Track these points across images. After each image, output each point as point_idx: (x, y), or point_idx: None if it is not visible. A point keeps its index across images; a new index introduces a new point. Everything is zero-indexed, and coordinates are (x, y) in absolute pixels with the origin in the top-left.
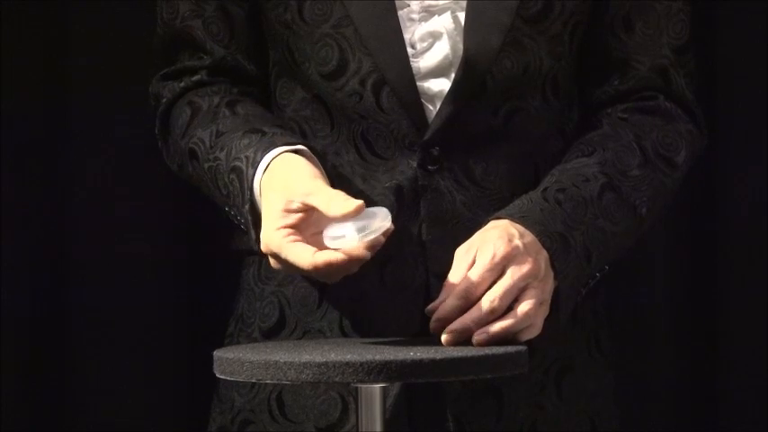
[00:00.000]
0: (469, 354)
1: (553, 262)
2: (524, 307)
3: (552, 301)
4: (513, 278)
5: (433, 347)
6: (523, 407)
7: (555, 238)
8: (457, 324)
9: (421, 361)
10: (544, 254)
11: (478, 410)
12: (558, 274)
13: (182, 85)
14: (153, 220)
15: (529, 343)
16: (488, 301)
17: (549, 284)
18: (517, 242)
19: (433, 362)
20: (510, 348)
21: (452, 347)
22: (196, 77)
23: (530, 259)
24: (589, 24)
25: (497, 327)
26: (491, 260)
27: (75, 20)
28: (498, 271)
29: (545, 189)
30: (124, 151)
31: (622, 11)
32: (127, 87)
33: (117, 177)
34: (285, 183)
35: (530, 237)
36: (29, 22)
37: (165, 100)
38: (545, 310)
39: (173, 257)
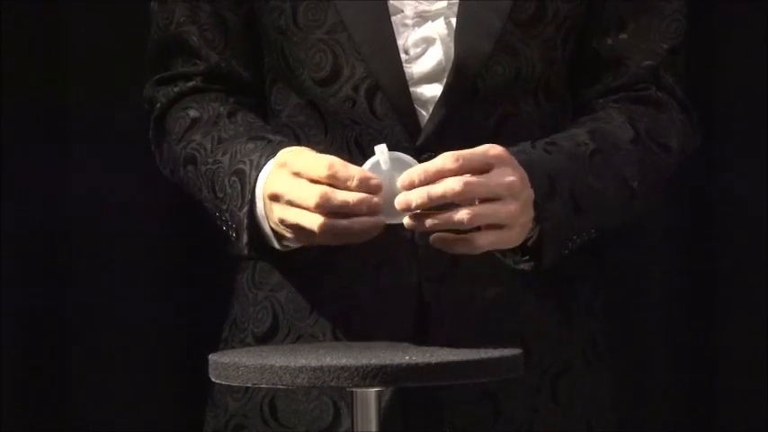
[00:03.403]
0: (464, 358)
1: (537, 202)
2: (483, 209)
3: (535, 246)
4: (490, 180)
5: (429, 351)
6: (520, 410)
7: (542, 178)
8: (415, 194)
9: (416, 365)
10: (530, 191)
11: (475, 414)
12: (541, 214)
13: (176, 89)
14: (150, 223)
15: (525, 346)
16: (453, 182)
17: (524, 218)
18: (512, 157)
19: (429, 366)
20: (505, 352)
21: (449, 351)
22: (191, 83)
23: (517, 175)
24: (583, 27)
25: (441, 217)
26: (484, 151)
27: (75, 20)
28: (484, 164)
29: (534, 142)
30: (122, 154)
31: (616, 12)
32: (127, 89)
33: (115, 180)
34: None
35: (522, 169)
36: (29, 22)
37: (159, 105)
38: (501, 237)
39: (169, 261)
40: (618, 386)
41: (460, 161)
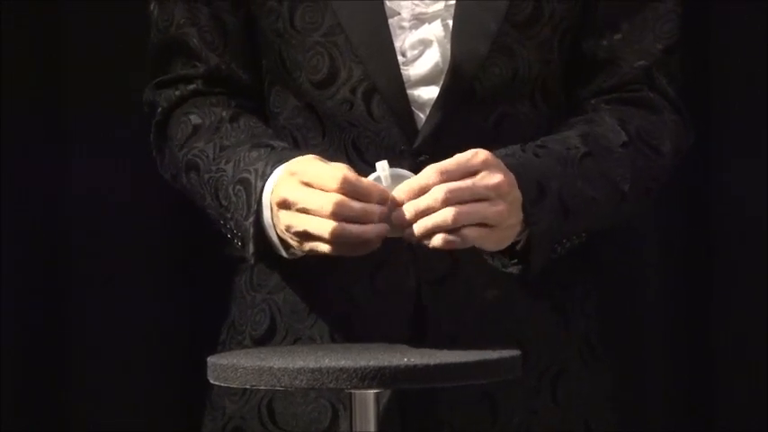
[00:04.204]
0: (463, 359)
1: (525, 206)
2: (468, 207)
3: (524, 249)
4: (475, 183)
5: (427, 353)
6: (518, 411)
7: (531, 183)
8: (402, 211)
9: (415, 367)
10: (518, 193)
11: (473, 416)
12: (529, 218)
13: (177, 93)
14: (150, 224)
15: (522, 347)
16: (436, 191)
17: (511, 219)
18: (499, 160)
19: (427, 368)
20: (504, 353)
21: (447, 353)
22: (192, 86)
23: (504, 177)
24: (578, 28)
25: (427, 219)
26: (468, 158)
27: (75, 20)
28: (469, 172)
29: (524, 145)
30: (122, 154)
31: (610, 13)
32: (127, 89)
33: (115, 180)
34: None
35: (510, 172)
36: (29, 22)
37: (160, 109)
38: (487, 235)
39: (169, 262)
40: (616, 386)
41: (445, 174)
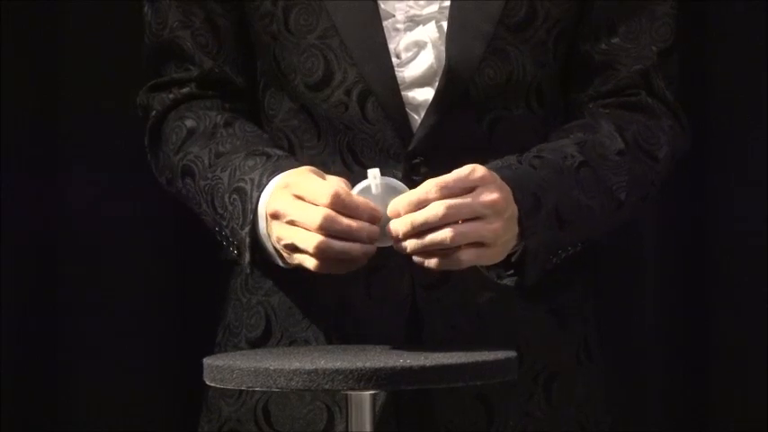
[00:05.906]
0: (459, 361)
1: (521, 219)
2: (466, 227)
3: (518, 262)
4: (473, 200)
5: (423, 355)
6: (513, 414)
7: (527, 195)
8: (399, 223)
9: (411, 368)
10: (514, 208)
11: (468, 418)
12: (525, 231)
13: (171, 96)
14: (146, 226)
15: (518, 350)
16: (435, 207)
17: (507, 235)
18: (496, 176)
19: (423, 369)
20: (500, 355)
21: (443, 354)
22: (185, 89)
23: (500, 194)
24: (574, 31)
25: (424, 238)
26: (467, 174)
27: (72, 22)
28: (467, 188)
29: (521, 156)
30: (117, 157)
31: (606, 15)
32: (124, 96)
33: (109, 186)
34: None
35: (506, 187)
36: (26, 25)
37: (154, 112)
38: (483, 254)
39: (164, 266)
40: (611, 389)
41: (444, 190)
